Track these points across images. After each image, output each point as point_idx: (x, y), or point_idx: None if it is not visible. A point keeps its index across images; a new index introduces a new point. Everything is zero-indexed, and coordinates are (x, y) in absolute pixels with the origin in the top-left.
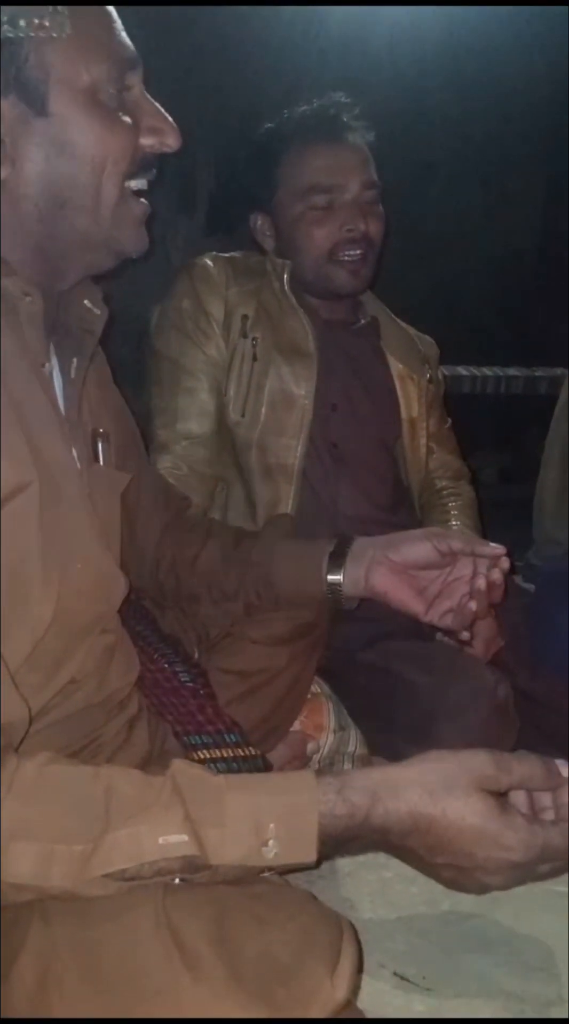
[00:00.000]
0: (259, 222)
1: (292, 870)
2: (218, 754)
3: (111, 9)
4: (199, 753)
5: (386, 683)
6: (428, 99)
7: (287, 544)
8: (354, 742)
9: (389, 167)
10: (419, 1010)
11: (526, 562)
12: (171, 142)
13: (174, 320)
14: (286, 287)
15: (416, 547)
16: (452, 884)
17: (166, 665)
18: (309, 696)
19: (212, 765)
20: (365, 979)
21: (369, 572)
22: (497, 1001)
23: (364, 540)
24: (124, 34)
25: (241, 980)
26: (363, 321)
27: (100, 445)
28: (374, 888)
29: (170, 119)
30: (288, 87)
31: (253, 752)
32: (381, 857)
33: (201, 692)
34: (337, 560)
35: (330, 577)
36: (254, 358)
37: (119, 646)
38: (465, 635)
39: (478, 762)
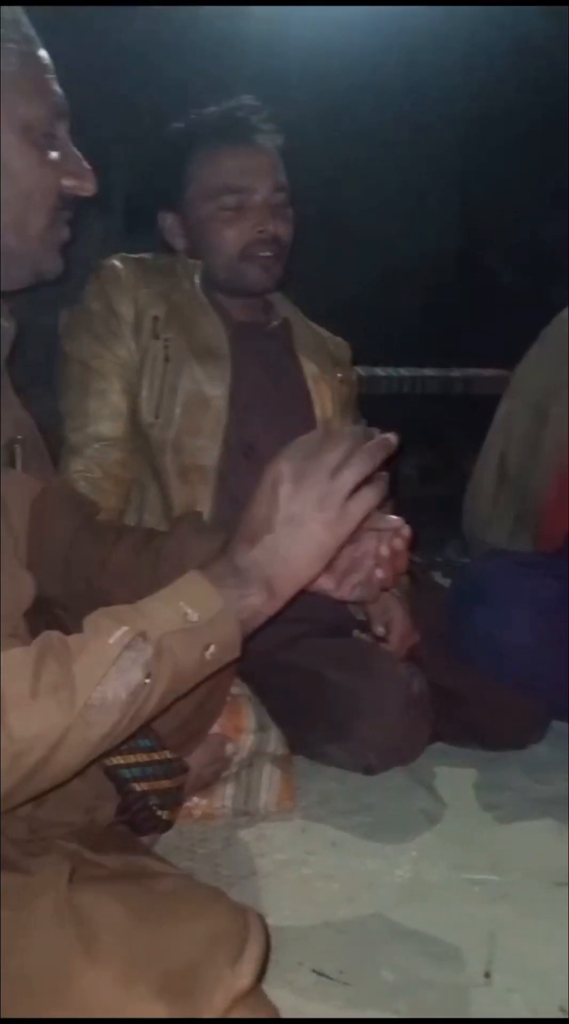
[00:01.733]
0: (168, 222)
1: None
2: (133, 759)
3: (48, 58)
4: (112, 759)
5: (305, 682)
6: (348, 102)
7: (198, 538)
8: (274, 742)
9: (309, 169)
10: (337, 1005)
11: (445, 559)
12: (89, 187)
13: (83, 322)
14: (198, 288)
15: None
16: (310, 534)
17: None
18: (229, 698)
19: (125, 771)
20: (284, 977)
21: None
22: (413, 989)
23: None
24: (57, 85)
25: (141, 967)
26: (275, 323)
27: (18, 450)
28: (294, 887)
29: (90, 168)
30: (206, 87)
31: (169, 756)
32: (301, 855)
33: None
34: None
35: None
36: (166, 359)
37: None
38: (380, 630)
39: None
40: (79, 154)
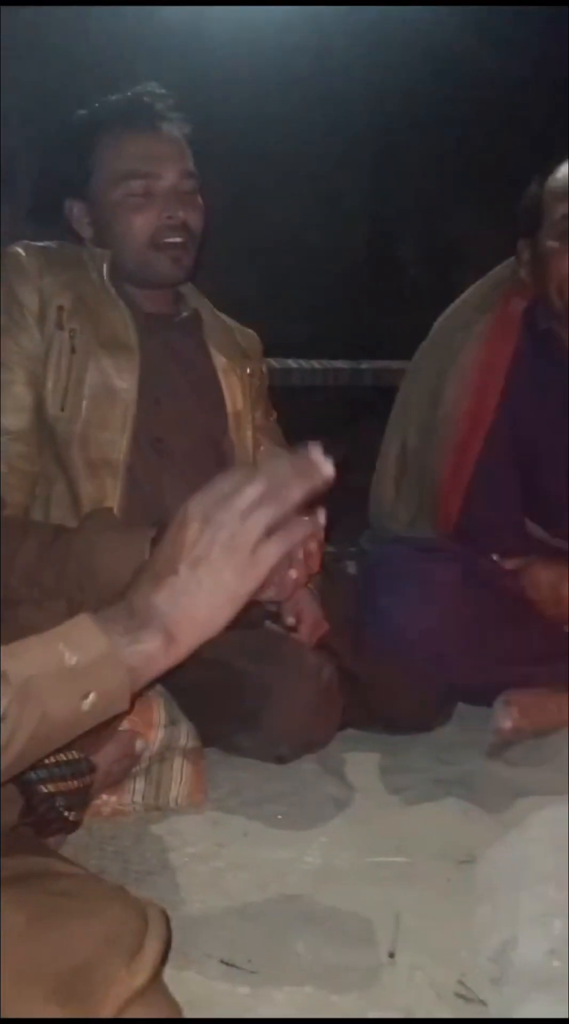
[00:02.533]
0: (75, 210)
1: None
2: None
3: None
4: None
5: (216, 675)
6: (259, 95)
7: (108, 533)
8: (185, 736)
9: (219, 161)
10: (243, 992)
11: (358, 548)
12: None
13: None
14: (105, 278)
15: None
16: (220, 582)
17: None
18: None
19: (31, 773)
20: (192, 969)
21: None
22: (320, 974)
23: None
24: None
25: (34, 970)
26: (185, 314)
27: None
28: (205, 879)
29: None
30: (117, 76)
31: (76, 756)
32: (212, 847)
33: None
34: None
35: None
36: (72, 350)
37: None
38: (291, 620)
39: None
40: None
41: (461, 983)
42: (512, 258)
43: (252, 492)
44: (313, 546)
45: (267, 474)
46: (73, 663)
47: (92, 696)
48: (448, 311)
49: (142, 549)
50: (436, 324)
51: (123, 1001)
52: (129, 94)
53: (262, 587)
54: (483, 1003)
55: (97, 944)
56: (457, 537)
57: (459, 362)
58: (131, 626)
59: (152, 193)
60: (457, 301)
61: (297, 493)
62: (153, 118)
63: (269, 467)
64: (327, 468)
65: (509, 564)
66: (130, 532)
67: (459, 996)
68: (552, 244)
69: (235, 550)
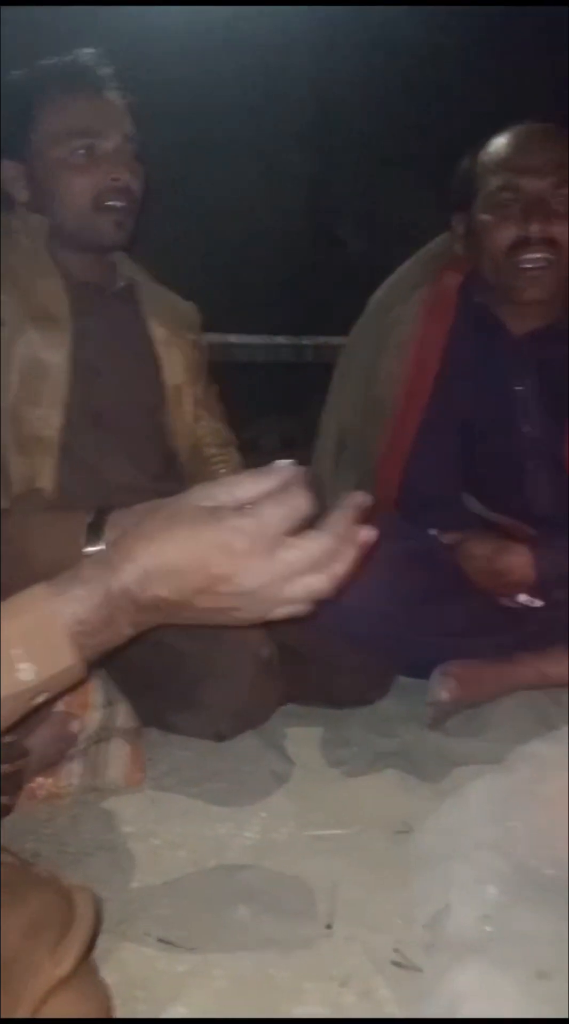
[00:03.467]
0: (11, 172)
1: (73, 683)
2: None
3: None
4: None
5: (154, 654)
6: (204, 65)
7: (42, 516)
8: (122, 716)
9: (162, 135)
10: (181, 970)
11: None
12: None
13: None
14: (41, 245)
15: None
16: (226, 614)
17: None
18: None
19: None
20: (130, 948)
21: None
22: (257, 948)
23: (123, 510)
24: None
25: None
26: (121, 284)
27: None
28: (143, 858)
29: None
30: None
31: (6, 740)
32: (150, 826)
33: None
34: (96, 530)
35: (88, 548)
36: (2, 322)
37: None
38: None
39: (195, 492)
40: None
41: (396, 951)
42: (446, 233)
43: (311, 553)
44: None
45: (328, 536)
46: (31, 678)
47: (19, 651)
48: (383, 287)
49: (78, 535)
50: (371, 300)
51: (45, 991)
52: (70, 57)
53: None
54: (418, 969)
55: (19, 935)
56: (396, 512)
57: (395, 338)
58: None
59: (96, 154)
60: (391, 277)
61: (340, 568)
62: (97, 81)
63: (330, 526)
64: (366, 534)
65: (446, 539)
66: (66, 516)
67: (395, 964)
68: (486, 217)
69: (254, 604)
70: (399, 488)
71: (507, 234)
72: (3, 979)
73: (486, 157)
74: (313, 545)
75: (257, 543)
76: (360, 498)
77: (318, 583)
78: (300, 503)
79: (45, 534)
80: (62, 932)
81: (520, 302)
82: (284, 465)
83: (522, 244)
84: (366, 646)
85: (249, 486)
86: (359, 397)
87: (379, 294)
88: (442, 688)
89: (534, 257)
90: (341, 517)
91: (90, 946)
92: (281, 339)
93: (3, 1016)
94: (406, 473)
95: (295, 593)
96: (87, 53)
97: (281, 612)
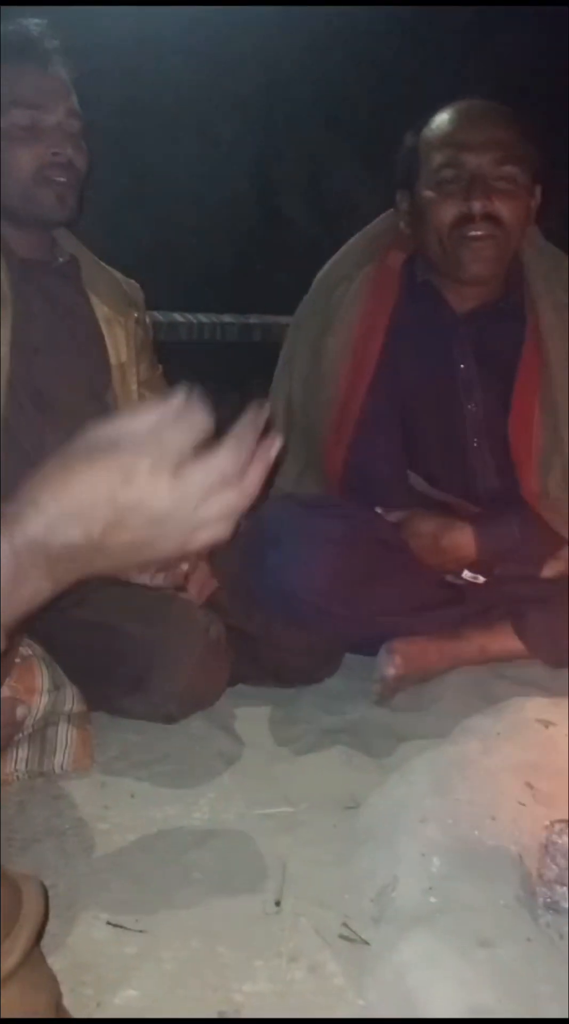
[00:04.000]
0: None
1: None
2: None
3: None
4: None
5: (101, 637)
6: (150, 42)
7: None
8: (70, 700)
9: (109, 108)
10: (131, 952)
11: None
12: None
13: None
14: None
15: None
16: (144, 550)
17: None
18: (19, 660)
19: None
20: (80, 932)
21: None
22: (206, 928)
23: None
24: None
25: None
26: (62, 260)
27: None
28: (91, 842)
29: None
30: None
31: None
32: (98, 810)
33: None
34: None
35: None
36: None
37: None
38: (158, 579)
39: (92, 431)
40: None
41: (345, 925)
42: (390, 211)
43: (219, 467)
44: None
45: (234, 448)
46: None
47: None
48: (328, 265)
49: None
50: (317, 278)
51: None
52: (15, 27)
53: (153, 578)
54: (366, 943)
55: None
56: (343, 491)
57: (340, 316)
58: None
59: (38, 127)
60: (336, 255)
61: (253, 481)
62: (43, 54)
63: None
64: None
65: (391, 517)
66: None
67: (343, 938)
68: (429, 194)
69: (170, 531)
70: (345, 467)
71: (451, 211)
72: None
73: (429, 134)
74: (220, 459)
75: (159, 463)
76: (261, 409)
77: (232, 499)
78: (199, 419)
79: None
80: (10, 924)
81: (464, 279)
82: (180, 390)
83: (465, 220)
84: (313, 625)
85: (146, 416)
86: (306, 375)
87: (324, 272)
88: (388, 665)
89: (477, 233)
90: (245, 430)
91: (38, 937)
92: (227, 317)
93: None
94: (351, 452)
95: (210, 512)
96: (34, 23)
97: (202, 537)
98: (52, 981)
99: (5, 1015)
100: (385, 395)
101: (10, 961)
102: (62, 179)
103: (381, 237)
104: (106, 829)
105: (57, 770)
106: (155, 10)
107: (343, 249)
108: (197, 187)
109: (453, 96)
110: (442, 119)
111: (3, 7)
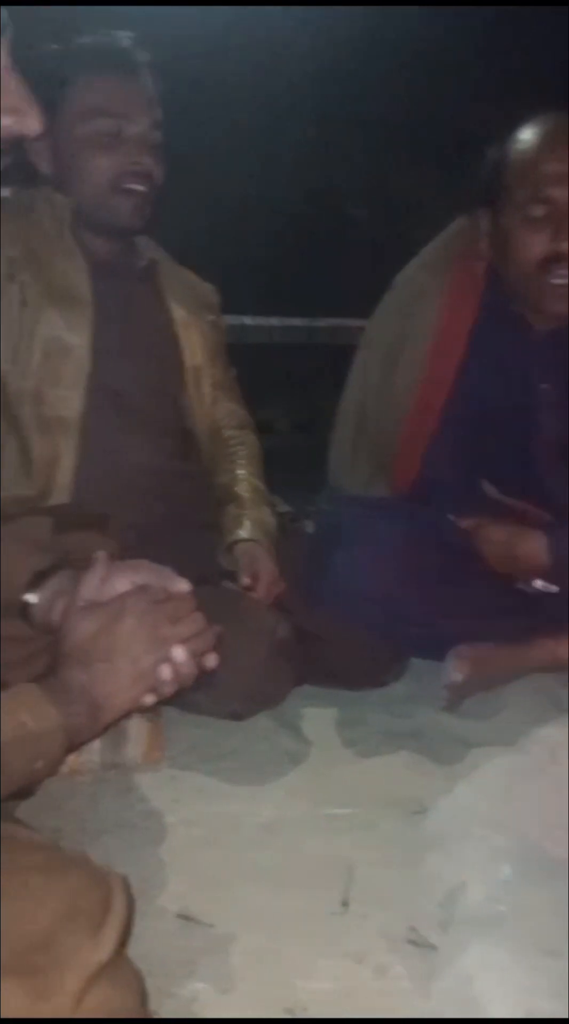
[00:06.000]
0: (37, 144)
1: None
2: None
3: None
4: None
5: None
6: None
7: (12, 547)
8: None
9: (172, 113)
10: (198, 946)
11: (317, 508)
12: (32, 125)
13: None
14: (64, 224)
15: (111, 584)
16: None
17: None
18: None
19: None
20: (147, 924)
21: (55, 603)
22: (272, 924)
23: (73, 572)
24: None
25: None
26: (141, 264)
27: None
28: (160, 835)
29: (32, 100)
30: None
31: None
32: (167, 803)
33: None
34: (37, 581)
35: (25, 595)
36: (23, 303)
37: None
38: (247, 581)
39: None
40: (19, 83)
41: (412, 929)
42: (463, 217)
43: (185, 604)
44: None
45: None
46: (32, 730)
47: (41, 762)
48: (403, 273)
49: (24, 577)
50: (392, 287)
51: (87, 977)
52: (106, 36)
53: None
54: (433, 947)
55: (58, 917)
56: (413, 497)
57: (417, 326)
58: (67, 699)
59: (121, 136)
60: (411, 263)
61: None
62: (132, 64)
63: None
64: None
65: (464, 524)
66: (26, 554)
67: (410, 942)
68: (515, 227)
69: (160, 648)
70: (418, 474)
71: (538, 249)
72: (38, 963)
73: (515, 157)
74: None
75: (145, 603)
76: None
77: (188, 628)
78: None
79: (2, 567)
80: (100, 916)
81: (546, 314)
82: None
83: (552, 260)
84: (379, 628)
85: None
86: (380, 384)
87: (398, 281)
88: (456, 670)
89: (564, 273)
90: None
91: (127, 931)
92: (296, 320)
93: (39, 1000)
94: (425, 460)
95: (180, 634)
96: (125, 36)
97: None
98: (138, 979)
99: (94, 1013)
100: (462, 405)
101: (101, 955)
102: (139, 188)
103: (455, 244)
104: (175, 822)
105: (129, 762)
106: (211, 13)
107: (417, 258)
108: (263, 191)
109: (524, 99)
110: (529, 142)
111: (3, 7)
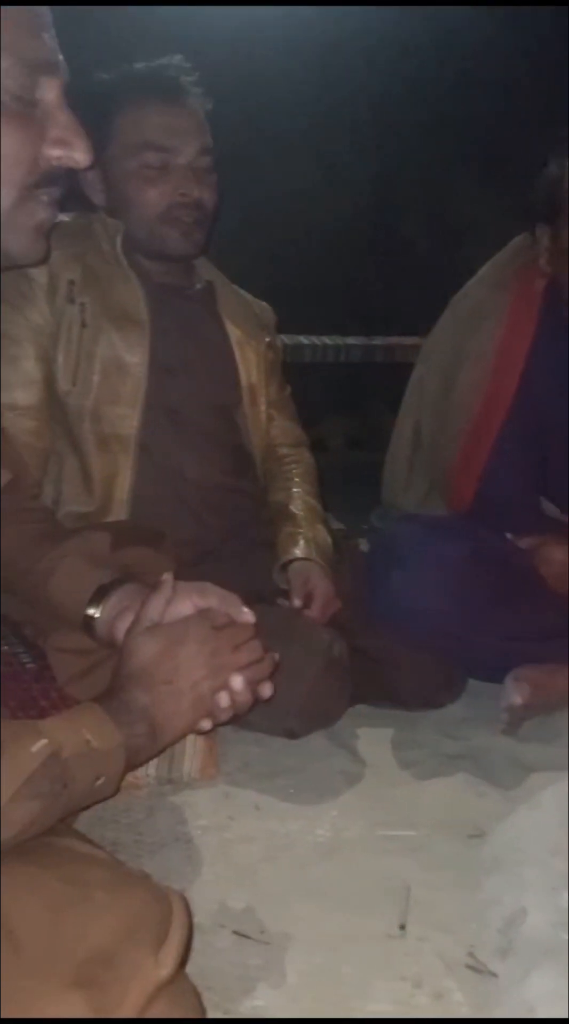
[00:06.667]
0: (89, 175)
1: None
2: None
3: (41, 10)
4: None
5: None
6: (263, 68)
7: (71, 562)
8: None
9: (226, 133)
10: (255, 963)
11: (369, 525)
12: (79, 158)
13: None
14: (118, 249)
15: (175, 606)
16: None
17: (6, 647)
18: None
19: None
20: (204, 940)
21: (117, 619)
22: (329, 945)
23: (134, 588)
24: (47, 37)
25: (55, 959)
26: (198, 286)
27: None
28: (216, 851)
29: (83, 133)
30: (131, 49)
31: None
32: (223, 820)
33: (44, 675)
34: (100, 596)
35: (88, 609)
36: (83, 324)
37: None
38: (298, 603)
39: None
40: (71, 117)
41: (471, 955)
42: (523, 235)
43: (245, 631)
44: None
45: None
46: (94, 748)
47: (102, 779)
48: (462, 291)
49: (85, 592)
50: (450, 304)
51: (149, 993)
52: (155, 64)
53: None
54: (493, 974)
55: (120, 932)
56: (470, 515)
57: (476, 344)
58: (128, 719)
59: (168, 167)
60: (471, 281)
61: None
62: (177, 90)
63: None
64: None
65: (523, 543)
66: (91, 569)
67: (469, 967)
68: None
69: (220, 674)
70: (475, 492)
71: None
72: (101, 978)
73: None
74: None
75: (206, 628)
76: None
77: (250, 655)
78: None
79: (64, 581)
80: (162, 933)
81: None
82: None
83: None
84: (436, 649)
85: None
86: (437, 402)
87: (456, 300)
88: (515, 692)
89: None
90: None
91: (187, 949)
92: (351, 339)
93: (101, 1014)
94: (482, 477)
95: (240, 661)
96: (172, 60)
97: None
98: (197, 997)
99: None
100: (522, 423)
101: (163, 972)
102: (188, 219)
103: (515, 262)
104: (231, 839)
105: (184, 777)
106: (272, 34)
107: (477, 276)
108: (321, 209)
109: None
110: None
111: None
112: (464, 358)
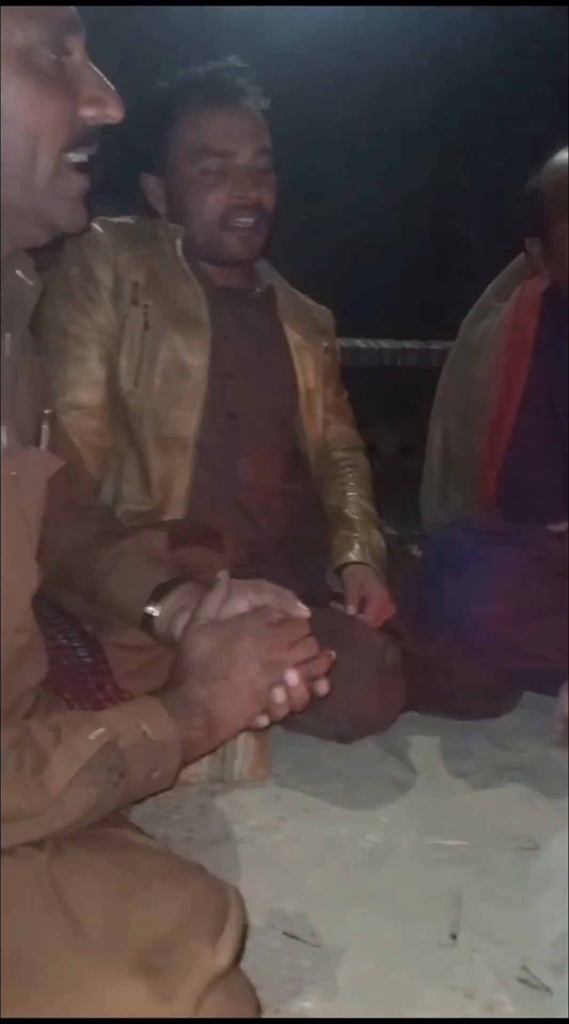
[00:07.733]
0: (150, 184)
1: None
2: None
3: None
4: None
5: None
6: (327, 71)
7: (131, 559)
8: None
9: (288, 137)
10: (306, 965)
11: (421, 532)
12: (113, 114)
13: (62, 287)
14: (179, 253)
15: (231, 604)
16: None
17: (64, 641)
18: None
19: None
20: (255, 940)
21: (175, 617)
22: (379, 951)
23: (192, 586)
24: None
25: (118, 945)
26: (258, 290)
27: (45, 427)
28: (266, 852)
29: (113, 89)
30: (191, 51)
31: None
32: (273, 821)
33: (101, 668)
34: (159, 595)
35: (147, 607)
36: (146, 326)
37: (32, 646)
38: (352, 610)
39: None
40: (99, 74)
41: (525, 968)
42: (520, 256)
43: (300, 628)
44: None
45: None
46: (152, 740)
47: (158, 772)
48: (475, 305)
49: (145, 590)
50: (466, 319)
51: (207, 982)
52: (210, 68)
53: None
54: (548, 989)
55: (180, 921)
56: (501, 511)
57: (487, 346)
58: (184, 714)
59: (226, 171)
60: (482, 294)
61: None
62: (233, 93)
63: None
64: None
65: (555, 528)
66: (149, 567)
67: (522, 981)
68: (563, 251)
69: (275, 671)
70: (500, 485)
71: None
72: (161, 965)
73: (551, 192)
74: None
75: (262, 624)
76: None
77: (304, 651)
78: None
79: (124, 579)
80: (220, 923)
81: None
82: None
83: None
84: (490, 656)
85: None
86: (458, 406)
87: (470, 312)
88: None
89: None
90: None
91: (243, 942)
92: (408, 343)
93: (161, 1002)
94: (507, 470)
95: (294, 657)
96: (228, 62)
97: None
98: (252, 991)
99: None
100: (538, 412)
101: (220, 962)
102: (247, 221)
103: (519, 273)
104: (281, 841)
105: (235, 777)
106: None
107: (486, 290)
108: (379, 214)
109: None
110: (562, 172)
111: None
112: (477, 359)
